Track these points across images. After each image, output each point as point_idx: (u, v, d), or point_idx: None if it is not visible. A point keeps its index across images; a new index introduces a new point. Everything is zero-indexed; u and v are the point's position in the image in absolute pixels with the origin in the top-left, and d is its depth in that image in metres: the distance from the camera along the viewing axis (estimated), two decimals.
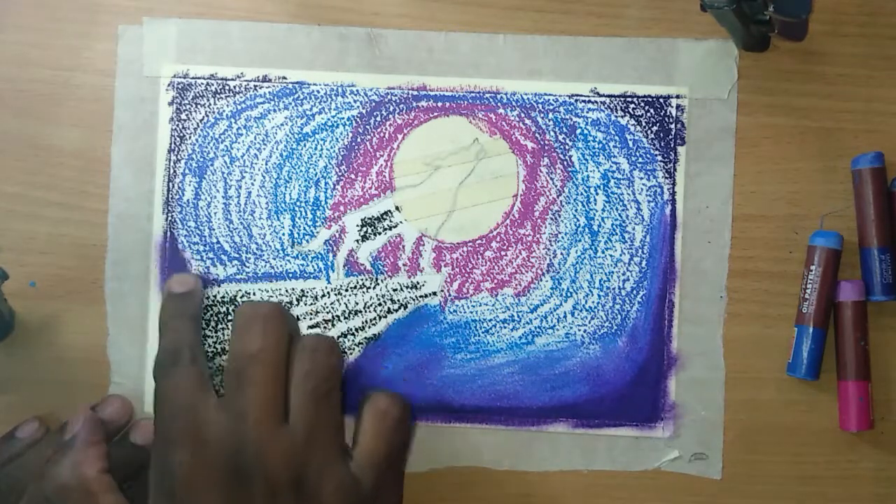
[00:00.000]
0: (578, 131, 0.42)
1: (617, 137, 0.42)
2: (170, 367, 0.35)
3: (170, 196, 0.42)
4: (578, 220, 0.42)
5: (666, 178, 0.42)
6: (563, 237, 0.42)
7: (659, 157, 0.42)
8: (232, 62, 0.42)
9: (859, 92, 0.42)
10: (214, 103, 0.42)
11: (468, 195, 0.42)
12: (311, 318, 0.42)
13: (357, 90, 0.42)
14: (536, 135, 0.42)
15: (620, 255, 0.42)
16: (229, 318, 0.41)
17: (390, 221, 0.42)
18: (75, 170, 0.42)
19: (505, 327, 0.42)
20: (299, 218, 0.42)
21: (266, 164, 0.42)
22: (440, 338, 0.42)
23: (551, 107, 0.42)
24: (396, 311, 0.42)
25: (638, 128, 0.42)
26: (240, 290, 0.42)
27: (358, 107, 0.42)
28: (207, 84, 0.42)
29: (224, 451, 0.33)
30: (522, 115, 0.42)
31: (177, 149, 0.42)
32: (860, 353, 0.40)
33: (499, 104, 0.42)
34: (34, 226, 0.42)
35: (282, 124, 0.42)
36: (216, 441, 0.33)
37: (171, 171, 0.42)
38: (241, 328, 0.35)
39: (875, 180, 0.40)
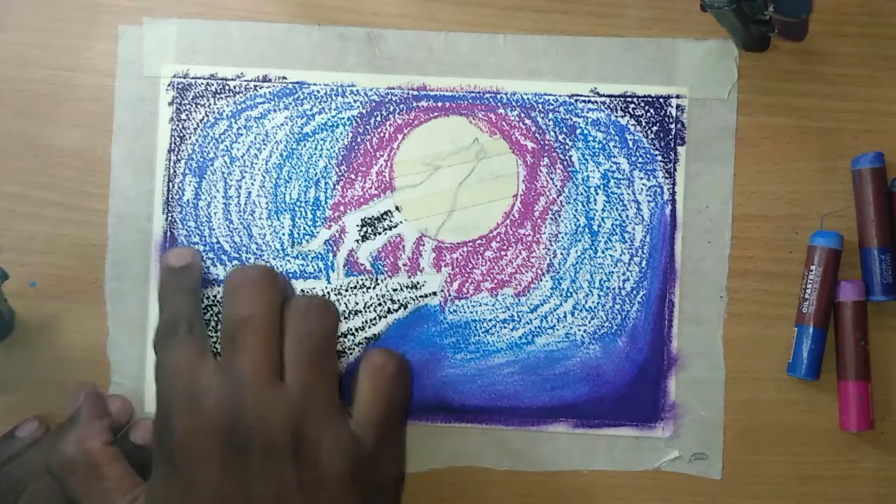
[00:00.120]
0: (578, 131, 0.42)
1: (617, 137, 0.42)
2: (168, 338, 0.35)
3: (170, 196, 0.42)
4: (578, 220, 0.42)
5: (666, 178, 0.42)
6: (563, 237, 0.42)
7: (659, 157, 0.42)
8: (232, 62, 0.42)
9: (859, 92, 0.42)
10: (214, 103, 0.42)
11: (468, 195, 0.42)
12: None
13: (357, 90, 0.42)
14: (536, 135, 0.42)
15: (620, 255, 0.42)
16: None
17: (390, 221, 0.42)
18: (75, 170, 0.42)
19: (505, 327, 0.42)
20: (299, 218, 0.42)
21: (266, 164, 0.42)
22: (440, 338, 0.42)
23: (551, 107, 0.42)
24: (396, 311, 0.42)
25: (638, 128, 0.42)
26: None
27: (358, 107, 0.42)
28: (207, 84, 0.42)
29: (222, 414, 0.33)
30: (522, 115, 0.42)
31: (177, 149, 0.42)
32: (860, 353, 0.40)
33: (499, 104, 0.42)
34: (34, 226, 0.42)
35: (282, 124, 0.42)
36: (213, 405, 0.33)
37: (171, 171, 0.42)
38: (231, 293, 0.35)
39: (875, 180, 0.40)
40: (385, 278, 0.42)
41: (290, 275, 0.42)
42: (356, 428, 0.34)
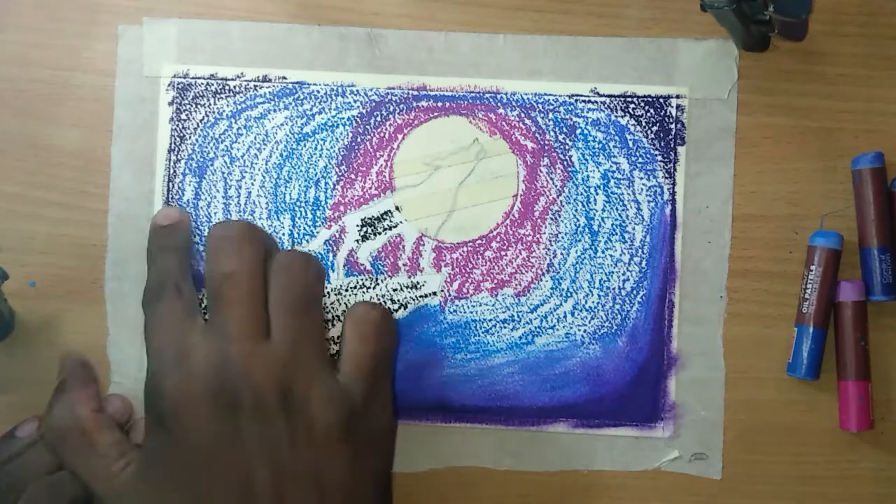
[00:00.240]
0: (578, 131, 0.42)
1: (617, 137, 0.42)
2: (155, 300, 0.35)
3: (170, 196, 0.42)
4: (578, 220, 0.42)
5: (666, 178, 0.42)
6: (563, 237, 0.42)
7: (659, 157, 0.42)
8: (232, 62, 0.42)
9: (859, 92, 0.42)
10: (214, 103, 0.42)
11: (468, 195, 0.42)
12: None
13: (357, 90, 0.42)
14: (536, 135, 0.42)
15: (620, 255, 0.42)
16: None
17: (390, 221, 0.42)
18: (75, 170, 0.42)
19: (505, 327, 0.42)
20: (299, 218, 0.42)
21: (266, 164, 0.42)
22: (440, 338, 0.42)
23: (551, 107, 0.42)
24: (396, 311, 0.42)
25: (638, 128, 0.42)
26: None
27: (358, 107, 0.42)
28: (207, 84, 0.42)
29: (209, 373, 0.33)
30: (522, 115, 0.42)
31: (177, 149, 0.42)
32: (860, 353, 0.40)
33: (499, 104, 0.42)
34: (34, 226, 0.42)
35: (282, 124, 0.42)
36: (201, 364, 0.33)
37: (171, 171, 0.42)
38: (213, 250, 0.35)
39: (875, 180, 0.40)
40: (385, 278, 0.42)
41: None
42: (344, 380, 0.34)
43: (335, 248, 0.42)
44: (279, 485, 0.32)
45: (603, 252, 0.42)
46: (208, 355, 0.33)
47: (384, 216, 0.42)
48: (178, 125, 0.42)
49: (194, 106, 0.42)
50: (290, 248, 0.42)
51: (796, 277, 0.41)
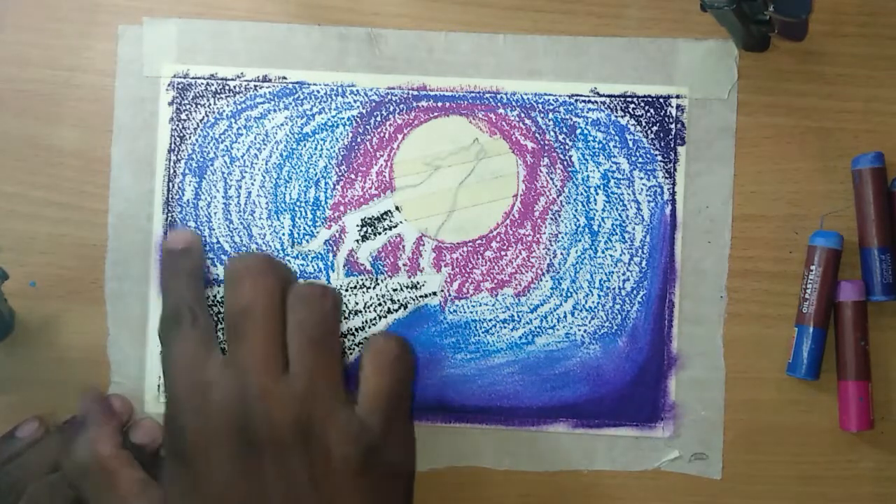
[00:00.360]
0: (578, 131, 0.42)
1: (617, 137, 0.42)
2: (172, 329, 0.35)
3: (170, 196, 0.42)
4: (578, 220, 0.42)
5: (666, 178, 0.42)
6: (563, 237, 0.42)
7: (659, 157, 0.42)
8: (232, 62, 0.42)
9: (859, 92, 0.42)
10: (214, 103, 0.42)
11: (468, 195, 0.42)
12: None
13: (357, 90, 0.42)
14: (536, 135, 0.42)
15: (620, 255, 0.42)
16: None
17: (390, 221, 0.42)
18: (75, 170, 0.42)
19: (505, 327, 0.42)
20: (299, 218, 0.42)
21: (266, 164, 0.42)
22: (440, 338, 0.42)
23: (551, 107, 0.42)
24: (396, 311, 0.42)
25: (638, 128, 0.42)
26: None
27: (358, 107, 0.42)
28: (207, 84, 0.42)
29: (229, 410, 0.33)
30: (522, 115, 0.42)
31: (177, 149, 0.42)
32: (860, 353, 0.40)
33: (499, 104, 0.42)
34: (34, 226, 0.42)
35: (282, 124, 0.42)
36: (221, 401, 0.33)
37: (171, 171, 0.42)
38: (231, 284, 0.35)
39: (875, 180, 0.40)
40: (385, 278, 0.42)
41: None
42: (362, 413, 0.34)
43: (335, 248, 0.42)
44: None
45: (603, 252, 0.42)
46: (227, 392, 0.33)
47: (384, 216, 0.42)
48: (178, 125, 0.42)
49: (194, 106, 0.42)
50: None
51: (796, 277, 0.41)
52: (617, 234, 0.42)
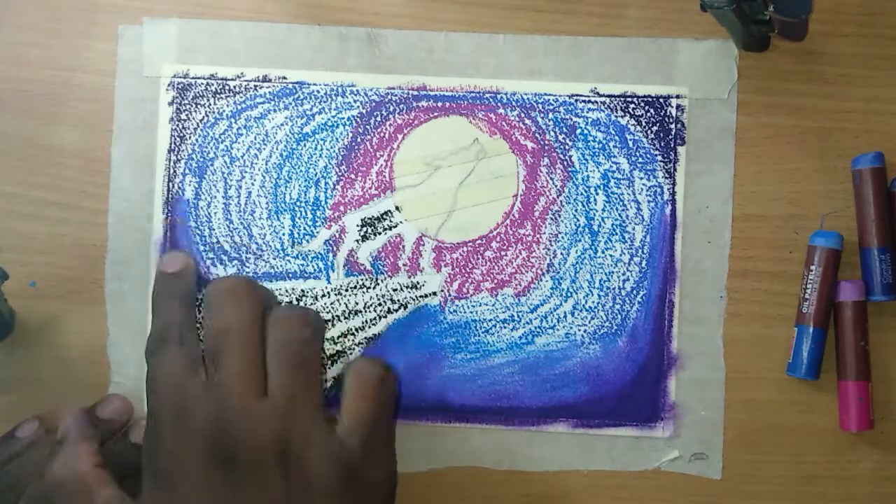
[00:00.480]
0: (578, 131, 0.42)
1: (617, 137, 0.42)
2: (158, 348, 0.35)
3: (170, 196, 0.42)
4: (578, 220, 0.42)
5: (666, 178, 0.42)
6: (563, 237, 0.42)
7: (659, 157, 0.42)
8: (232, 62, 0.42)
9: (859, 92, 0.42)
10: (214, 103, 0.42)
11: (468, 195, 0.42)
12: None
13: (357, 90, 0.42)
14: (536, 135, 0.42)
15: (620, 255, 0.42)
16: None
17: (390, 221, 0.42)
18: (75, 170, 0.42)
19: (505, 327, 0.42)
20: (299, 218, 0.42)
21: (266, 164, 0.42)
22: (440, 338, 0.42)
23: (551, 107, 0.42)
24: (396, 311, 0.42)
25: (638, 128, 0.42)
26: None
27: (358, 107, 0.42)
28: (207, 84, 0.42)
29: (207, 430, 0.33)
30: (522, 115, 0.42)
31: (177, 149, 0.42)
32: (860, 353, 0.40)
33: (499, 104, 0.42)
34: (34, 226, 0.42)
35: (282, 124, 0.42)
36: (199, 421, 0.33)
37: (171, 171, 0.42)
38: (211, 305, 0.35)
39: (875, 180, 0.40)
40: (385, 278, 0.42)
41: (290, 275, 0.42)
42: (343, 434, 0.34)
43: (335, 248, 0.42)
44: None
45: (603, 252, 0.42)
46: (207, 413, 0.33)
47: (384, 216, 0.42)
48: (178, 125, 0.42)
49: (194, 106, 0.42)
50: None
51: (796, 277, 0.41)
52: (617, 234, 0.42)
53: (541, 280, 0.42)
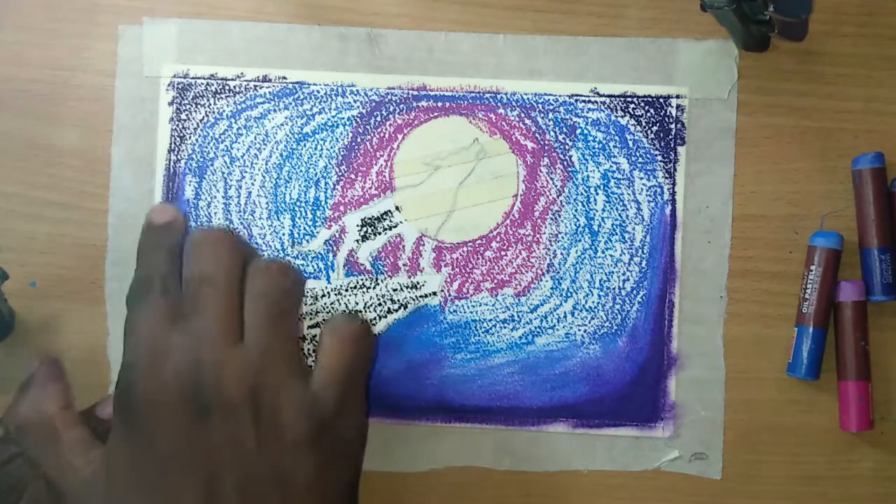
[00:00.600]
0: (578, 131, 0.42)
1: (617, 137, 0.42)
2: (140, 296, 0.35)
3: (170, 196, 0.42)
4: (578, 220, 0.42)
5: (666, 178, 0.42)
6: (563, 237, 0.42)
7: (659, 157, 0.42)
8: (232, 62, 0.42)
9: (859, 92, 0.42)
10: (214, 103, 0.42)
11: (468, 195, 0.42)
12: (311, 318, 0.42)
13: (357, 90, 0.42)
14: (536, 135, 0.42)
15: (620, 255, 0.42)
16: None
17: (390, 221, 0.42)
18: (75, 170, 0.42)
19: (505, 327, 0.42)
20: (299, 218, 0.42)
21: (266, 164, 0.42)
22: (440, 338, 0.42)
23: (551, 107, 0.42)
24: (396, 311, 0.42)
25: (638, 128, 0.42)
26: None
27: (358, 107, 0.42)
28: (207, 84, 0.42)
29: (182, 374, 0.33)
30: (522, 115, 0.42)
31: (177, 149, 0.42)
32: (860, 353, 0.40)
33: (499, 104, 0.42)
34: (34, 226, 0.42)
35: (282, 124, 0.42)
36: (174, 367, 0.33)
37: (171, 171, 0.42)
38: (192, 253, 0.35)
39: (875, 180, 0.40)
40: (385, 278, 0.42)
41: None
42: (317, 388, 0.34)
43: (335, 248, 0.42)
44: (245, 487, 0.32)
45: (603, 252, 0.42)
46: (182, 359, 0.33)
47: (384, 216, 0.42)
48: (178, 125, 0.42)
49: (194, 106, 0.42)
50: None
51: (796, 277, 0.41)
52: (617, 234, 0.42)
53: (541, 280, 0.42)
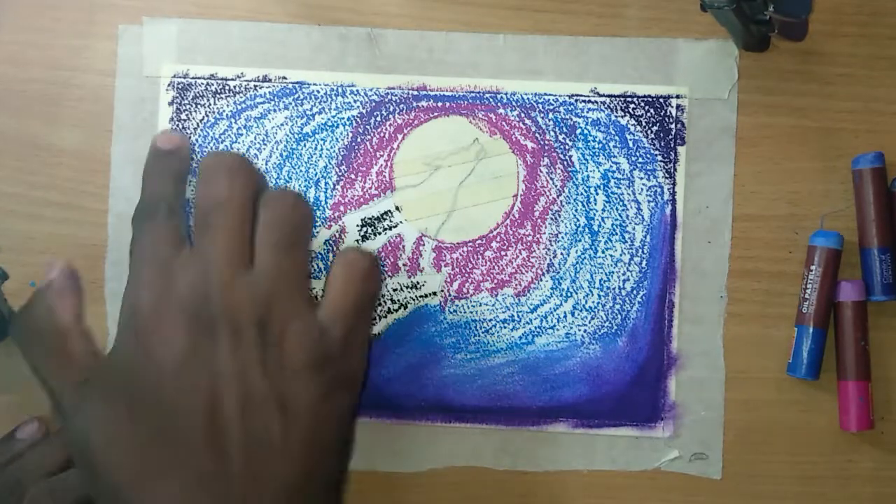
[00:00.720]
0: (578, 131, 0.42)
1: (617, 137, 0.42)
2: (146, 219, 0.35)
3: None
4: (578, 220, 0.42)
5: (666, 178, 0.42)
6: (563, 237, 0.42)
7: (659, 157, 0.42)
8: (232, 62, 0.42)
9: (859, 92, 0.42)
10: (214, 103, 0.42)
11: (468, 195, 0.42)
12: None
13: (357, 90, 0.42)
14: (536, 135, 0.42)
15: (620, 255, 0.42)
16: None
17: (390, 221, 0.42)
18: (75, 170, 0.42)
19: (505, 327, 0.42)
20: None
21: (266, 164, 0.42)
22: (440, 338, 0.42)
23: (551, 107, 0.42)
24: (396, 311, 0.42)
25: (638, 128, 0.42)
26: None
27: (358, 107, 0.42)
28: (207, 84, 0.42)
29: (190, 295, 0.33)
30: (522, 115, 0.42)
31: None
32: (860, 353, 0.40)
33: (499, 104, 0.42)
34: (34, 226, 0.42)
35: (282, 124, 0.42)
36: (183, 286, 0.33)
37: None
38: (205, 177, 0.35)
39: (875, 180, 0.40)
40: (385, 278, 0.42)
41: None
42: (324, 319, 0.34)
43: (335, 248, 0.42)
44: (246, 407, 0.32)
45: (603, 252, 0.42)
46: (191, 279, 0.33)
47: (384, 216, 0.42)
48: (178, 125, 0.42)
49: (194, 106, 0.42)
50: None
51: (796, 277, 0.41)
52: (617, 234, 0.42)
53: (541, 280, 0.42)
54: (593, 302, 0.41)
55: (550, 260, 0.42)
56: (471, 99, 0.42)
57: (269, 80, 0.42)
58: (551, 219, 0.42)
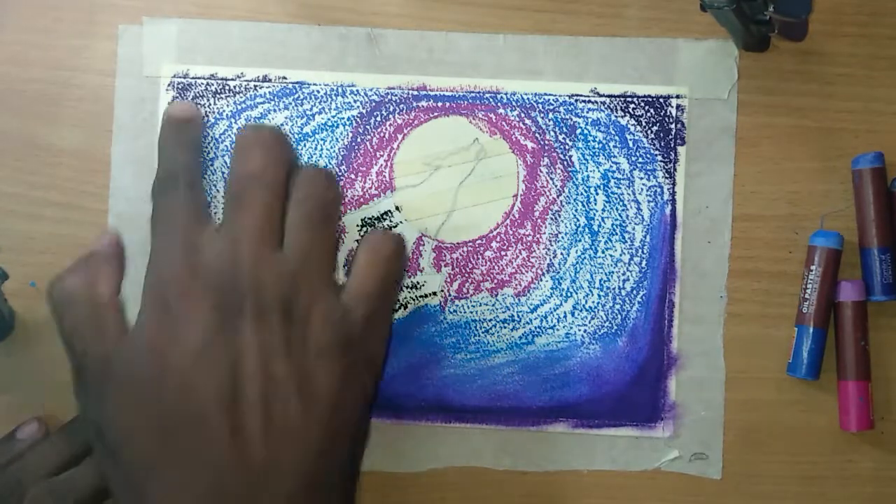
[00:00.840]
0: (578, 131, 0.42)
1: (617, 137, 0.42)
2: (168, 188, 0.35)
3: None
4: (578, 220, 0.42)
5: (666, 178, 0.42)
6: (563, 237, 0.42)
7: (659, 157, 0.42)
8: (232, 62, 0.42)
9: (859, 92, 0.42)
10: (214, 103, 0.42)
11: (468, 195, 0.42)
12: None
13: (357, 90, 0.42)
14: (536, 135, 0.42)
15: (620, 255, 0.42)
16: None
17: (390, 221, 0.42)
18: (75, 170, 0.42)
19: (505, 327, 0.42)
20: None
21: None
22: (440, 338, 0.42)
23: (551, 107, 0.42)
24: (396, 311, 0.42)
25: (638, 128, 0.42)
26: None
27: (358, 107, 0.42)
28: (207, 84, 0.42)
29: (217, 268, 0.33)
30: (522, 115, 0.42)
31: None
32: (860, 353, 0.40)
33: (499, 104, 0.42)
34: (34, 226, 0.42)
35: (282, 124, 0.42)
36: (210, 260, 0.33)
37: None
38: (242, 150, 0.35)
39: (875, 180, 0.40)
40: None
41: None
42: (349, 301, 0.34)
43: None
44: (267, 386, 0.32)
45: (603, 252, 0.42)
46: (217, 254, 0.33)
47: (384, 216, 0.42)
48: None
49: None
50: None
51: (796, 277, 0.41)
52: (617, 234, 0.42)
53: (541, 280, 0.42)
54: (593, 302, 0.41)
55: (550, 260, 0.42)
56: (471, 99, 0.42)
57: (269, 80, 0.42)
58: (551, 219, 0.42)
